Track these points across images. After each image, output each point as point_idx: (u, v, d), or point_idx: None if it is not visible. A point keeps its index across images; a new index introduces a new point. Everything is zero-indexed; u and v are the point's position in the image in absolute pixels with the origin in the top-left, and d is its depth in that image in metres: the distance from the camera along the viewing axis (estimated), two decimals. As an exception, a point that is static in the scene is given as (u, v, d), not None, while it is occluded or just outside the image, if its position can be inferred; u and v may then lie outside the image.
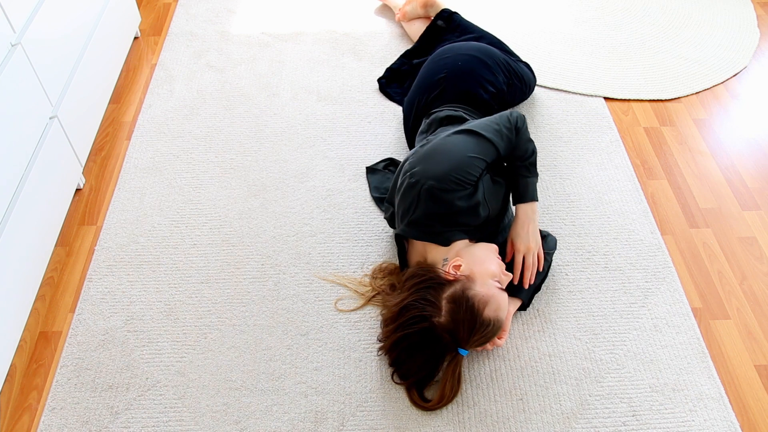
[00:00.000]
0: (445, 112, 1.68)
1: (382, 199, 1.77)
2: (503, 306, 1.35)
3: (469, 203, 1.40)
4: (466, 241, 1.45)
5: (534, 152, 1.50)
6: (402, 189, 1.44)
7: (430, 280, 1.36)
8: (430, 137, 1.57)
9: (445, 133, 1.47)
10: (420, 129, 1.72)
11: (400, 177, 1.49)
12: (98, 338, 1.48)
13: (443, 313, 1.31)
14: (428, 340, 1.32)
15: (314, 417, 1.36)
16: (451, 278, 1.36)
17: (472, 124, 1.44)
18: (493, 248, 1.44)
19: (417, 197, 1.39)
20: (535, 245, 1.49)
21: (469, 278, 1.36)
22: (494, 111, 1.76)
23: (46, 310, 1.55)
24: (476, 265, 1.37)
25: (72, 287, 1.60)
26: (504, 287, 1.39)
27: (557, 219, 1.75)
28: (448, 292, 1.34)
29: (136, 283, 1.59)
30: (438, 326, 1.31)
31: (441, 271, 1.39)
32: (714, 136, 2.02)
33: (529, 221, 1.49)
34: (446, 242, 1.42)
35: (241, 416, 1.36)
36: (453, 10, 2.13)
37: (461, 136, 1.42)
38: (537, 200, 1.50)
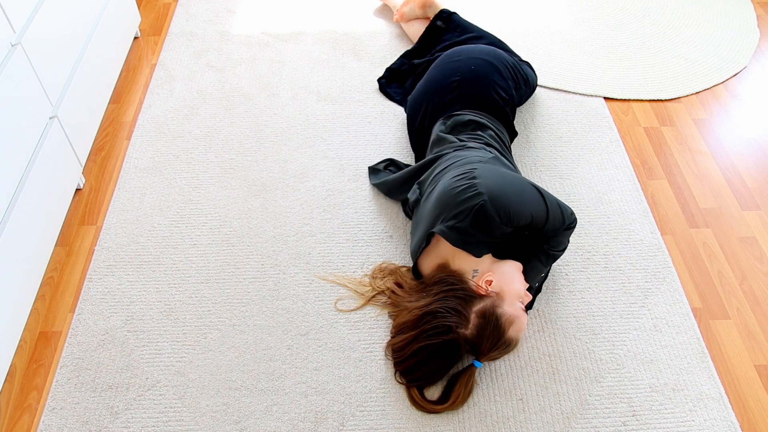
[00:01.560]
0: (468, 116, 1.68)
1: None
2: (524, 327, 1.39)
3: (505, 230, 1.41)
4: (490, 255, 1.45)
5: (562, 251, 1.51)
6: (456, 192, 1.39)
7: (462, 291, 1.37)
8: (463, 142, 1.60)
9: (526, 180, 1.44)
10: (439, 129, 1.70)
11: (455, 177, 1.43)
12: (98, 338, 1.48)
13: (470, 326, 1.33)
14: (448, 349, 1.34)
15: (314, 417, 1.36)
16: (483, 293, 1.37)
17: (548, 195, 1.43)
18: (519, 267, 1.45)
19: (471, 208, 1.35)
20: None
21: (498, 296, 1.37)
22: (507, 116, 1.75)
23: (46, 310, 1.55)
24: (506, 283, 1.39)
25: (72, 287, 1.60)
26: (524, 308, 1.42)
27: (557, 219, 1.75)
28: (479, 306, 1.35)
29: (136, 283, 1.59)
30: (461, 338, 1.33)
31: (473, 283, 1.39)
32: (714, 136, 2.02)
33: None
34: (479, 254, 1.41)
35: (241, 416, 1.36)
36: (452, 10, 2.13)
37: (536, 193, 1.41)
38: (531, 286, 1.51)
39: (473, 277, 1.41)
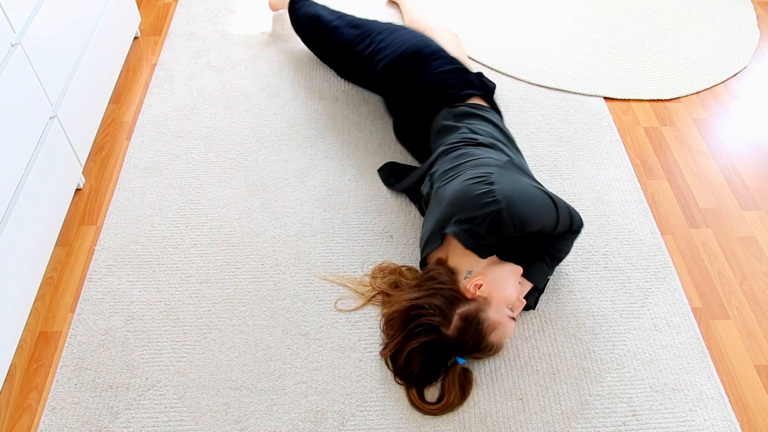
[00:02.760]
0: (459, 108, 1.68)
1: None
2: (508, 334, 1.38)
3: (513, 234, 1.41)
4: (494, 256, 1.45)
5: (564, 255, 1.52)
6: (473, 195, 1.37)
7: (450, 291, 1.37)
8: (475, 134, 1.59)
9: (539, 186, 1.44)
10: (443, 119, 1.69)
11: (471, 180, 1.41)
12: (98, 338, 1.48)
13: (452, 327, 1.34)
14: (435, 349, 1.36)
15: (314, 417, 1.36)
16: (470, 296, 1.37)
17: (560, 202, 1.44)
18: (518, 271, 1.44)
19: (488, 214, 1.35)
20: None
21: (486, 300, 1.37)
22: (489, 91, 1.76)
23: (46, 310, 1.55)
24: (496, 289, 1.38)
25: (72, 287, 1.60)
26: (515, 316, 1.41)
27: (557, 219, 1.75)
28: (463, 309, 1.35)
29: (136, 283, 1.59)
30: (443, 336, 1.34)
31: (462, 285, 1.39)
32: (714, 136, 2.02)
33: None
34: (485, 255, 1.41)
35: (241, 416, 1.36)
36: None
37: (549, 202, 1.41)
38: (536, 286, 1.50)
39: (466, 278, 1.41)
